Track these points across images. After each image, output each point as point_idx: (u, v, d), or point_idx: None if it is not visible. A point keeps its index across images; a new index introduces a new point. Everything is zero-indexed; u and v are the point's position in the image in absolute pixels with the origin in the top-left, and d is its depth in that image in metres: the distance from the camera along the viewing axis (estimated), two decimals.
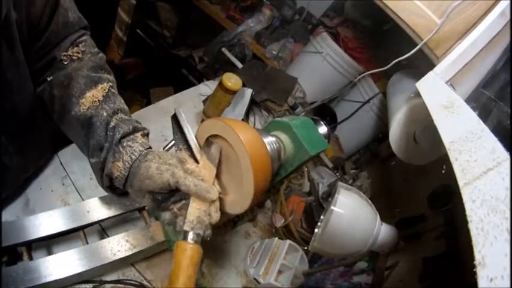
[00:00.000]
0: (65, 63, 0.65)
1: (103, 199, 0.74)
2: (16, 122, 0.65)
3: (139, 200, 0.62)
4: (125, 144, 0.61)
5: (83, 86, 0.63)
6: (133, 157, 0.60)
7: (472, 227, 0.35)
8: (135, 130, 0.64)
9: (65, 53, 0.65)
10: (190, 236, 0.53)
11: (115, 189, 0.67)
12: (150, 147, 0.64)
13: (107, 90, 0.65)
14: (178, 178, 0.55)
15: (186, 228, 0.54)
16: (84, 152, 0.67)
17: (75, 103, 0.63)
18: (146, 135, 0.66)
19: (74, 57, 0.66)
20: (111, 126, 0.62)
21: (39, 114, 0.71)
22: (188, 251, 0.51)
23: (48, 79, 0.66)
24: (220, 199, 0.61)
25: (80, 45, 0.67)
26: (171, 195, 0.59)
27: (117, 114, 0.64)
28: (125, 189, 0.64)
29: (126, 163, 0.60)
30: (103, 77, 0.67)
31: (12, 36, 0.55)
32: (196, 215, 0.55)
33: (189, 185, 0.54)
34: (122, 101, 0.67)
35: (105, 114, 0.62)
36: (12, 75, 0.58)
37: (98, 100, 0.63)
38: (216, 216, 0.56)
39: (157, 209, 0.61)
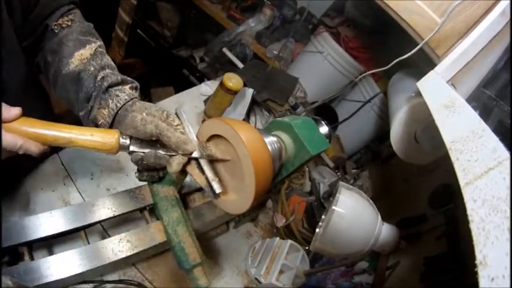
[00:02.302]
0: (56, 31, 0.67)
1: (104, 199, 0.74)
2: (4, 101, 0.65)
3: None
4: (112, 93, 0.63)
5: (72, 48, 0.65)
6: (118, 105, 0.61)
7: (473, 226, 0.35)
8: (123, 82, 0.65)
9: (55, 23, 0.67)
10: (126, 139, 0.57)
11: None
12: (138, 98, 0.65)
13: (94, 49, 0.66)
14: (161, 129, 0.57)
15: (130, 140, 0.58)
16: (76, 110, 0.68)
17: (65, 63, 0.65)
18: (135, 88, 0.68)
19: (63, 25, 0.68)
20: (99, 78, 0.63)
21: (31, 94, 0.72)
22: (111, 135, 0.56)
23: (43, 48, 0.68)
24: (222, 199, 0.61)
25: (70, 15, 0.69)
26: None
27: (105, 69, 0.65)
28: None
29: (111, 111, 0.61)
30: (91, 39, 0.68)
31: None
32: (146, 145, 0.58)
33: (170, 136, 0.57)
34: (110, 59, 0.69)
35: (92, 68, 0.63)
36: None
37: (86, 58, 0.65)
38: (175, 168, 0.58)
39: None
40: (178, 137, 0.57)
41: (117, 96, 0.62)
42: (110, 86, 0.63)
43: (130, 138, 0.58)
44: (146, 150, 0.58)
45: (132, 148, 0.57)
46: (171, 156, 0.59)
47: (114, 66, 0.68)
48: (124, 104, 0.61)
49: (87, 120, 0.65)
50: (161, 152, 0.58)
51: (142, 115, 0.58)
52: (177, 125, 0.60)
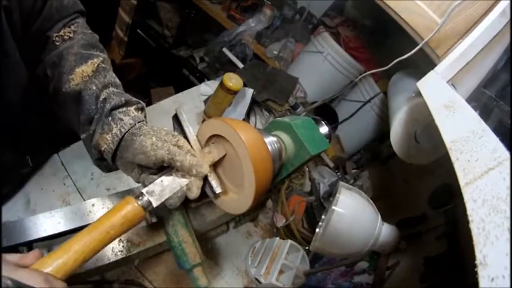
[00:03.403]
0: (57, 43, 0.64)
1: (104, 199, 0.74)
2: (5, 114, 0.64)
3: (127, 173, 0.61)
4: (115, 116, 0.59)
5: (72, 63, 0.62)
6: (123, 130, 0.58)
7: (473, 226, 0.35)
8: (128, 103, 0.62)
9: (56, 34, 0.64)
10: (142, 198, 0.53)
11: (105, 163, 0.65)
12: (144, 121, 0.62)
13: (97, 65, 0.63)
14: (173, 155, 0.55)
15: (142, 190, 0.54)
16: (76, 130, 0.65)
17: (65, 80, 0.61)
18: (140, 109, 0.64)
19: (65, 37, 0.65)
20: (101, 98, 0.60)
21: (34, 106, 0.70)
22: (130, 205, 0.52)
23: (43, 60, 0.66)
24: (222, 199, 0.61)
25: (72, 26, 0.66)
26: (160, 170, 0.59)
27: (108, 88, 0.62)
28: (114, 162, 0.62)
29: (115, 136, 0.58)
30: (94, 53, 0.65)
31: None
32: (161, 187, 0.55)
33: (182, 160, 0.55)
34: (114, 75, 0.65)
35: (94, 87, 0.60)
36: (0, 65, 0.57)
37: (88, 75, 0.61)
38: (196, 192, 0.57)
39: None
40: (191, 160, 0.55)
41: (121, 120, 0.59)
42: (113, 108, 0.59)
43: (143, 194, 0.54)
44: (166, 197, 0.55)
45: (150, 197, 0.54)
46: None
47: (118, 83, 0.65)
48: (129, 129, 0.58)
49: (89, 146, 0.62)
50: (176, 183, 0.56)
51: (152, 140, 0.56)
52: (187, 149, 0.58)
